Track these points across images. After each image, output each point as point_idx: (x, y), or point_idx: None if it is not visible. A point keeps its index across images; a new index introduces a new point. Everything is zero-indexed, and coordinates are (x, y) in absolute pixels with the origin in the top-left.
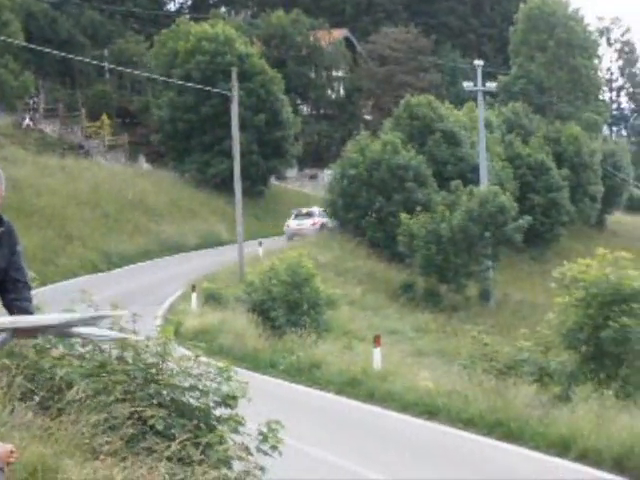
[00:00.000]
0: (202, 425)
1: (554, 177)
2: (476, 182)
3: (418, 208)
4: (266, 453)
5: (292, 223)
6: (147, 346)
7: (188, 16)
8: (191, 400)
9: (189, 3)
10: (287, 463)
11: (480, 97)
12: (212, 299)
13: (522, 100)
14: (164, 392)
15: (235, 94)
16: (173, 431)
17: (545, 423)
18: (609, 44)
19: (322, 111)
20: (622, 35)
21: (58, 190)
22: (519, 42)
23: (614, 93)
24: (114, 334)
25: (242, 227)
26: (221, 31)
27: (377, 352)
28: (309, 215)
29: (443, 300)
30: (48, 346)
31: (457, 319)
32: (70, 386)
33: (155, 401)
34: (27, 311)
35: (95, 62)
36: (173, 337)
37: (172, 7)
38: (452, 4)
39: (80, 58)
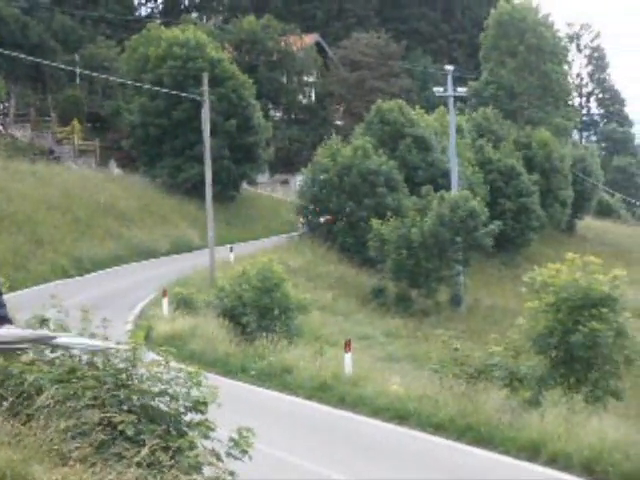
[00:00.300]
0: (172, 430)
1: (524, 182)
2: (447, 187)
3: (389, 213)
4: (236, 457)
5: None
6: (117, 351)
7: (159, 21)
8: (161, 405)
9: (160, 8)
10: (257, 468)
11: (451, 102)
12: (183, 304)
13: (492, 105)
14: (134, 397)
15: (206, 99)
16: (143, 437)
17: (515, 428)
18: (579, 50)
19: (293, 116)
20: (592, 41)
21: (29, 195)
22: (489, 47)
23: (584, 99)
24: (100, 343)
25: (213, 232)
26: (192, 36)
27: (348, 357)
28: None
29: (414, 305)
30: (18, 352)
31: (428, 324)
32: (40, 392)
33: (125, 406)
34: (2, 317)
35: (66, 67)
36: (143, 342)
37: (143, 12)
38: (423, 10)
39: (51, 63)
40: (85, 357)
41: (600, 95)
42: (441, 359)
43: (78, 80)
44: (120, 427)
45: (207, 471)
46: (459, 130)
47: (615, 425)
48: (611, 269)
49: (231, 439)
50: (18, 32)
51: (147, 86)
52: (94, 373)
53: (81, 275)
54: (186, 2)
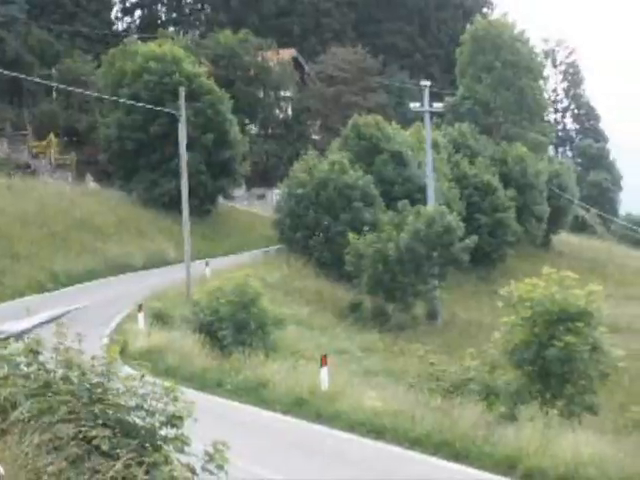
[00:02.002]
0: (147, 445)
1: (500, 197)
2: (423, 202)
3: (366, 228)
4: (212, 473)
5: None
6: (92, 366)
7: (136, 36)
8: (137, 420)
9: (137, 23)
10: None
11: (427, 118)
12: (159, 319)
13: (469, 121)
14: (109, 412)
15: (183, 114)
16: (118, 451)
17: (491, 442)
18: (554, 66)
19: (270, 131)
20: (567, 57)
21: (5, 209)
22: (466, 63)
23: (559, 114)
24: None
25: (189, 247)
26: (169, 51)
27: (324, 372)
28: None
29: (391, 319)
30: None
31: (404, 338)
32: (14, 406)
33: (100, 421)
34: None
35: (43, 81)
36: (119, 357)
37: (120, 27)
38: (399, 25)
39: (28, 77)
40: (60, 371)
41: (575, 111)
42: (418, 374)
43: (55, 94)
44: (95, 442)
45: None
46: (435, 145)
47: (590, 440)
48: (587, 284)
49: (206, 453)
50: None
51: (124, 100)
52: (69, 387)
53: (57, 289)
54: (163, 17)
